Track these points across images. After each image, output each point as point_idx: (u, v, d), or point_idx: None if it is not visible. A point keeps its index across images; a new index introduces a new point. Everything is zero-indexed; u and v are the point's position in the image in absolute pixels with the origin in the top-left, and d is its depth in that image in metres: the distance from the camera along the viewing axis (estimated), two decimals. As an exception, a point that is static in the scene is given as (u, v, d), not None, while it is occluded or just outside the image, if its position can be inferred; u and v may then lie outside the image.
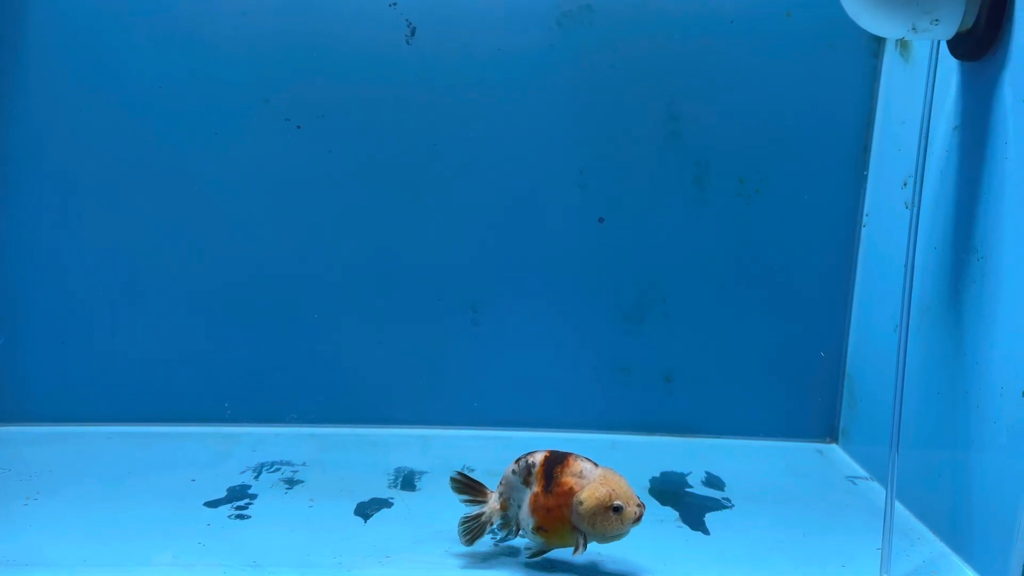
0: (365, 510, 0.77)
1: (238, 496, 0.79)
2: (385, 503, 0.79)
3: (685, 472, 0.89)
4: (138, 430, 0.94)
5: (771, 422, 0.99)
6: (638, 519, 0.65)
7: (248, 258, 0.94)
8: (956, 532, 0.74)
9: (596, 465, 0.66)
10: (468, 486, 0.70)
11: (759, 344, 0.97)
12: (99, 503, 0.76)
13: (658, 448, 0.96)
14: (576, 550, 0.65)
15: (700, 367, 0.98)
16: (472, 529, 0.68)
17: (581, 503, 0.64)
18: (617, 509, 0.64)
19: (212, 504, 0.77)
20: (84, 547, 0.68)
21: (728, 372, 0.98)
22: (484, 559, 0.69)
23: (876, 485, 0.88)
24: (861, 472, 0.92)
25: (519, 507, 0.67)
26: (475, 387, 0.98)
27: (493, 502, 0.69)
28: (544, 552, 0.68)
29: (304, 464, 0.87)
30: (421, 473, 0.86)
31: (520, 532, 0.68)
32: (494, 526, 0.69)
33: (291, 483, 0.82)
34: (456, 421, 0.98)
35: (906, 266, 0.70)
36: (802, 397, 0.99)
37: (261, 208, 0.93)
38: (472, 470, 0.87)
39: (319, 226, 0.94)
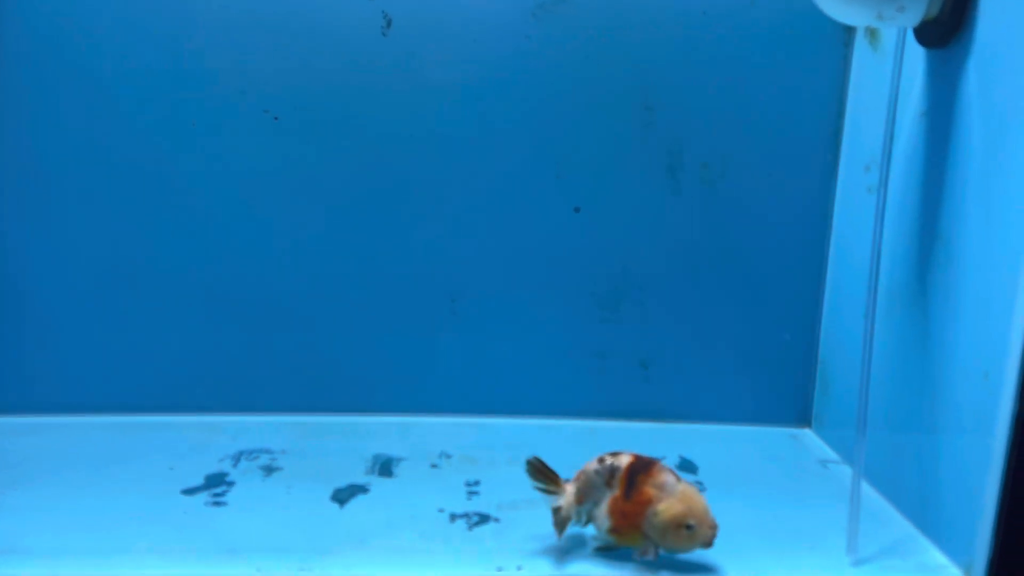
0: (341, 496, 0.78)
1: (216, 483, 0.79)
2: (362, 489, 0.80)
3: (660, 457, 0.90)
4: (118, 420, 0.94)
5: (745, 408, 1.00)
6: (709, 542, 0.65)
7: (228, 249, 0.94)
8: (923, 513, 0.75)
9: (679, 480, 0.67)
10: (542, 473, 0.70)
11: (733, 331, 0.98)
12: (77, 492, 0.77)
13: (634, 433, 0.97)
14: (644, 553, 0.67)
15: (675, 354, 0.99)
16: (558, 523, 0.69)
17: (656, 515, 0.65)
18: (690, 527, 0.65)
19: (189, 492, 0.78)
20: (61, 535, 0.68)
21: (703, 358, 0.99)
22: (455, 544, 0.70)
23: (847, 468, 0.90)
24: (833, 456, 0.93)
25: (596, 504, 0.68)
26: (454, 375, 0.99)
27: (570, 496, 0.69)
28: (612, 549, 0.69)
29: (283, 452, 0.88)
30: (399, 460, 0.87)
31: (591, 525, 0.69)
32: (579, 519, 0.69)
33: (269, 470, 0.83)
34: (435, 409, 0.99)
35: (873, 252, 0.71)
36: (776, 383, 1.00)
37: (240, 199, 0.93)
38: (450, 456, 0.88)
39: (298, 217, 0.94)
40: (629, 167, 0.95)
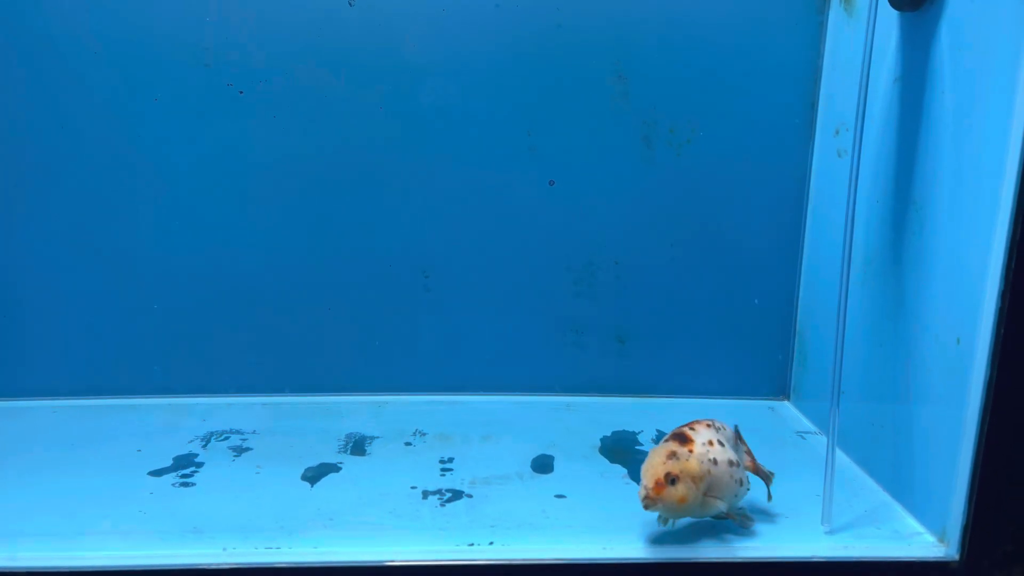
0: (311, 475, 0.77)
1: (184, 465, 0.78)
2: (333, 468, 0.79)
3: (637, 431, 0.90)
4: (84, 403, 0.92)
5: (723, 381, 0.99)
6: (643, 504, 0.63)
7: (194, 227, 0.92)
8: (898, 482, 0.75)
9: (671, 437, 0.66)
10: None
11: (711, 303, 0.97)
12: (41, 475, 0.75)
13: (612, 409, 0.96)
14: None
15: (652, 328, 0.98)
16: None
17: None
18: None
19: (156, 473, 0.76)
20: (22, 518, 0.67)
21: (680, 332, 0.98)
22: (426, 520, 0.69)
23: (824, 439, 0.89)
24: (811, 427, 0.93)
25: None
26: (429, 353, 0.98)
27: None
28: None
29: (254, 432, 0.87)
30: (372, 438, 0.86)
31: None
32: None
33: (239, 451, 0.82)
34: (409, 387, 0.98)
35: (847, 219, 0.70)
36: (753, 355, 0.99)
37: (204, 175, 0.91)
38: (424, 434, 0.87)
39: (265, 193, 0.92)
40: (604, 138, 0.94)
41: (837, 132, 0.85)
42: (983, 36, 0.65)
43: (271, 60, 0.90)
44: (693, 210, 0.96)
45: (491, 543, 0.65)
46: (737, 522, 0.68)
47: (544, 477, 0.78)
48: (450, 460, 0.81)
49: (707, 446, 0.65)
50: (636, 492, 0.74)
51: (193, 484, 0.74)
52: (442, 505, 0.72)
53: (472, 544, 0.65)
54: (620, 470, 0.80)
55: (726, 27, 0.92)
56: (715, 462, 0.65)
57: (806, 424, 0.94)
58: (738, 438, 0.70)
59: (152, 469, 0.77)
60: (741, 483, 0.67)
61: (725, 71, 0.93)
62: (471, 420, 0.92)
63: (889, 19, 0.76)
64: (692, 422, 0.68)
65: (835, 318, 0.71)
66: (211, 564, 0.61)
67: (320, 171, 0.93)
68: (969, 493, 0.65)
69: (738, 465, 0.67)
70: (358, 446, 0.84)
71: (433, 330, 0.97)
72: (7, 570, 0.60)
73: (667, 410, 0.96)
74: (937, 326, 0.69)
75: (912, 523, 0.71)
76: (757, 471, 0.72)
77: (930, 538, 0.69)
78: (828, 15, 0.91)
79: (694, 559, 0.65)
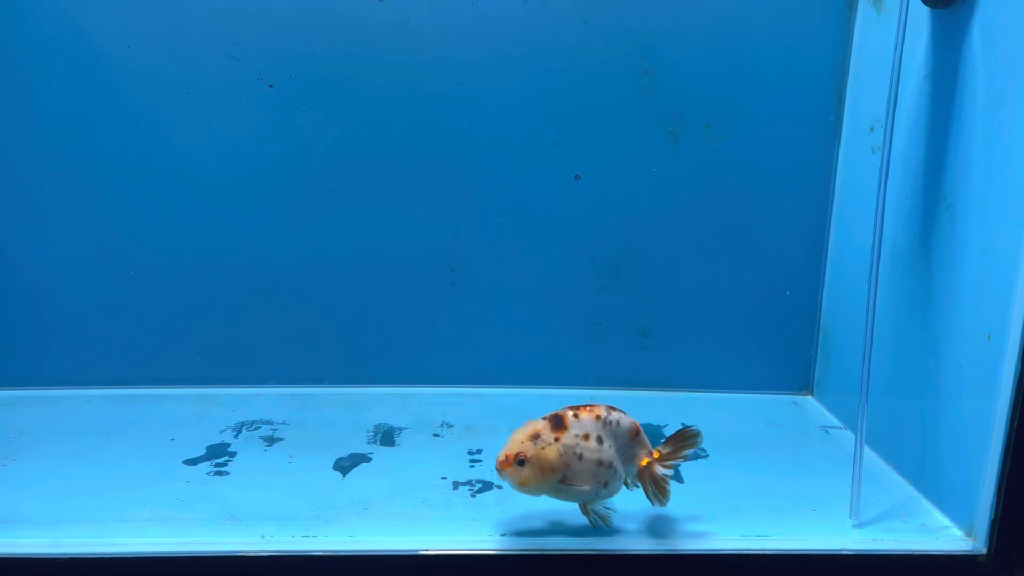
0: (344, 465, 0.78)
1: (217, 454, 0.79)
2: (364, 458, 0.80)
3: (661, 424, 0.90)
4: (117, 392, 0.94)
5: (746, 375, 1.00)
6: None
7: (224, 219, 0.93)
8: (925, 476, 0.76)
9: (546, 417, 0.65)
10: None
11: (734, 298, 0.98)
12: (78, 462, 0.76)
13: (635, 402, 0.96)
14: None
15: (676, 322, 0.98)
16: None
17: None
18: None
19: (191, 462, 0.77)
20: (62, 504, 0.68)
21: (703, 326, 0.98)
22: (458, 510, 0.70)
23: (849, 434, 0.90)
24: (835, 422, 0.93)
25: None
26: (454, 345, 0.99)
27: None
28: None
29: (284, 422, 0.88)
30: (400, 429, 0.87)
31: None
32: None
33: (270, 441, 0.83)
34: (435, 379, 0.99)
35: (876, 214, 0.71)
36: (777, 350, 1.00)
37: (236, 168, 0.92)
38: (451, 426, 0.88)
39: (295, 185, 0.93)
40: (629, 133, 0.94)
41: (872, 129, 0.85)
42: (1016, 32, 0.65)
43: (300, 54, 0.91)
44: (718, 205, 0.96)
45: (521, 533, 0.66)
46: (590, 520, 0.66)
47: (572, 469, 0.79)
48: (478, 451, 0.82)
49: (579, 439, 0.63)
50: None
51: (227, 473, 0.75)
52: (473, 496, 0.73)
53: (504, 534, 0.66)
54: (647, 462, 0.80)
55: (752, 22, 0.92)
56: (580, 457, 0.63)
57: (830, 419, 0.94)
58: (636, 437, 0.66)
59: (186, 458, 0.78)
60: (606, 485, 0.64)
61: (751, 67, 0.93)
62: (496, 412, 0.93)
63: (920, 15, 0.76)
64: (585, 406, 0.65)
65: (861, 314, 0.71)
66: (250, 551, 0.63)
67: (348, 164, 0.93)
68: (998, 487, 0.66)
69: (609, 467, 0.64)
70: (387, 437, 0.85)
71: (458, 323, 0.98)
72: (51, 555, 0.61)
73: (690, 404, 0.97)
74: (967, 322, 0.69)
75: (940, 517, 0.72)
76: (650, 476, 0.66)
77: (958, 532, 0.69)
78: (856, 11, 0.91)
79: (724, 551, 0.66)
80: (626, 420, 0.66)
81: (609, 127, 0.94)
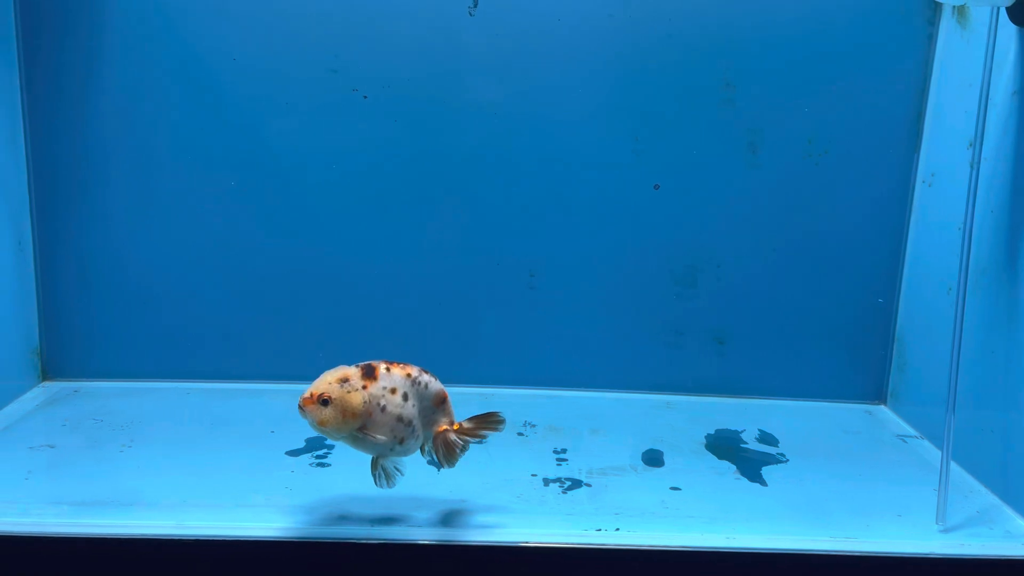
0: (437, 460, 0.81)
1: (316, 447, 0.83)
2: (455, 454, 0.83)
3: (739, 430, 0.92)
4: (214, 386, 0.98)
5: (820, 384, 1.01)
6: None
7: (318, 225, 0.97)
8: (1007, 484, 0.77)
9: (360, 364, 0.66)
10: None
11: (809, 307, 1.00)
12: (189, 450, 0.81)
13: (711, 408, 0.99)
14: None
15: (751, 330, 1.00)
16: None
17: None
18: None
19: (293, 453, 0.81)
20: (181, 488, 0.72)
21: (778, 335, 1.00)
22: (552, 505, 0.73)
23: (927, 443, 0.91)
24: (911, 431, 0.94)
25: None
26: (532, 349, 1.02)
27: None
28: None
29: (373, 419, 0.91)
30: (485, 428, 0.90)
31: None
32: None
33: (363, 436, 0.86)
34: (513, 381, 1.02)
35: (964, 228, 0.72)
36: (852, 360, 1.01)
37: (331, 175, 0.97)
38: (534, 426, 0.91)
39: (384, 192, 0.97)
40: (709, 144, 0.96)
41: (971, 145, 0.85)
42: (1112, 52, 0.66)
43: (393, 66, 0.95)
44: (795, 215, 0.98)
45: (617, 529, 0.69)
46: (375, 473, 0.67)
47: (657, 470, 0.81)
48: (563, 451, 0.85)
49: (386, 392, 0.64)
50: (751, 488, 0.78)
51: (329, 464, 0.79)
52: (564, 492, 0.76)
53: (600, 529, 0.69)
54: (729, 467, 0.83)
55: (834, 36, 0.94)
56: (383, 409, 0.64)
57: (906, 428, 0.95)
58: (442, 404, 0.68)
59: (288, 449, 0.82)
60: (402, 442, 0.65)
61: (831, 80, 0.95)
62: (576, 414, 0.95)
63: (1007, 33, 0.78)
64: (399, 364, 0.66)
65: (939, 324, 0.73)
66: (360, 538, 0.66)
67: (435, 172, 0.97)
68: (1086, 497, 0.67)
69: (408, 425, 0.65)
70: (474, 435, 0.88)
71: (537, 326, 1.01)
72: (177, 537, 0.65)
73: (766, 411, 0.98)
74: (1057, 334, 0.71)
75: (1023, 524, 0.73)
76: (443, 440, 0.68)
77: (1044, 540, 0.70)
78: (938, 26, 0.92)
79: (813, 551, 0.67)
80: (436, 385, 0.68)
81: (689, 138, 0.96)
